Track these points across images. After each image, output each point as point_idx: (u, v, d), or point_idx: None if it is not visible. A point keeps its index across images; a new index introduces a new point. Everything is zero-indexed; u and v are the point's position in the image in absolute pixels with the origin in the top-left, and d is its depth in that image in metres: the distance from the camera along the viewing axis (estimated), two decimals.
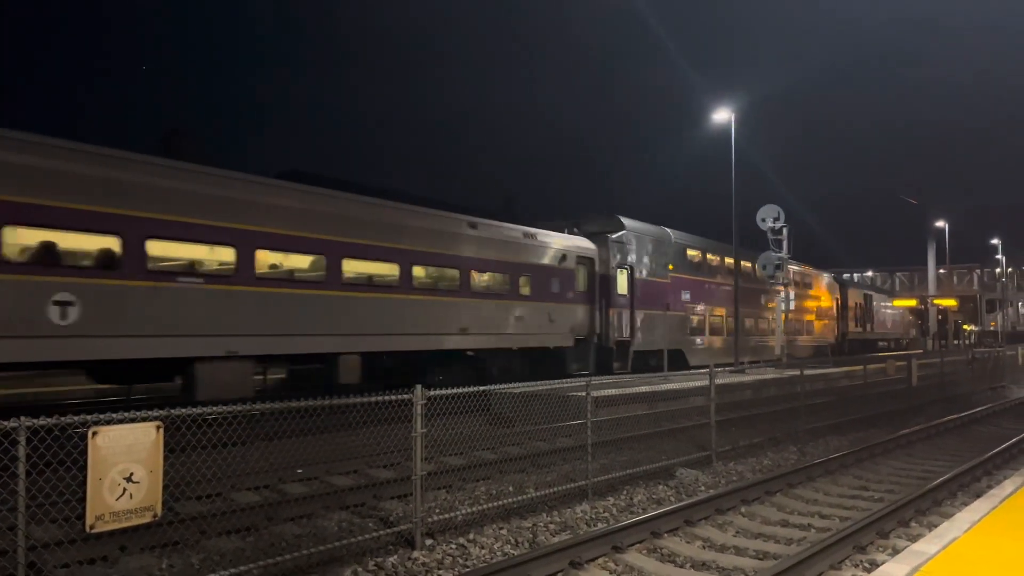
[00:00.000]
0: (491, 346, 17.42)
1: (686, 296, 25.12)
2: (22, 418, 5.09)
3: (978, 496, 8.42)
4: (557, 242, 19.94)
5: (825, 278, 40.48)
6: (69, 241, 10.64)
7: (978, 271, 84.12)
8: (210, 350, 11.86)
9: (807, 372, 16.60)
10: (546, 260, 19.32)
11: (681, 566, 7.04)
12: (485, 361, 17.46)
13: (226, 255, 12.25)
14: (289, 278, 13.49)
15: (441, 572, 6.72)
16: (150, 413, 5.61)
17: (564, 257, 19.83)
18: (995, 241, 68.11)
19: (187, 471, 7.73)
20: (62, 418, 5.30)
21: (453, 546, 7.38)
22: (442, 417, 8.65)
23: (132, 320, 11.04)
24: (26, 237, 10.23)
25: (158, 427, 5.56)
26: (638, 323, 22.67)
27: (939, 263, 67.46)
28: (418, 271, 15.82)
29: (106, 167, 10.97)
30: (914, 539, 7.05)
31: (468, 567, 6.78)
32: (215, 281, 12.24)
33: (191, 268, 12.06)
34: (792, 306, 25.84)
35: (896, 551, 6.77)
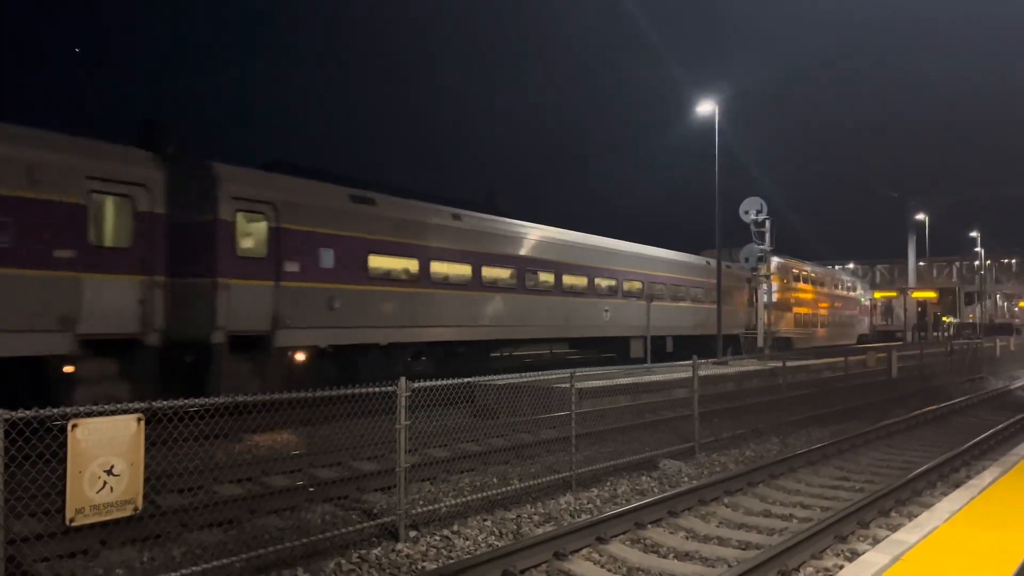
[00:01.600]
0: (711, 333, 28.32)
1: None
2: (0, 410, 5.02)
3: (957, 486, 8.50)
4: (738, 270, 31.73)
5: (860, 283, 52.90)
6: (603, 283, 24.09)
7: (957, 264, 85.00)
8: (634, 332, 24.72)
9: (789, 364, 16.72)
10: (733, 281, 31.70)
11: (665, 557, 7.07)
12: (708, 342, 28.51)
13: (639, 286, 25.75)
14: (662, 296, 26.97)
15: (425, 564, 6.71)
16: (131, 405, 5.55)
17: (740, 279, 32.21)
18: (974, 234, 68.86)
19: (169, 464, 7.68)
20: (41, 410, 5.22)
21: (437, 538, 7.37)
22: (426, 409, 8.63)
23: (621, 320, 24.48)
24: (598, 282, 23.75)
25: (139, 420, 5.50)
26: (775, 319, 35.08)
27: (919, 256, 68.13)
28: (692, 292, 29.40)
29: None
30: (895, 529, 7.12)
31: (452, 559, 6.78)
32: (635, 298, 25.13)
33: (631, 292, 25.27)
34: (774, 298, 27.83)
35: (877, 540, 6.84)
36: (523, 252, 20.84)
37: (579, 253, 23.08)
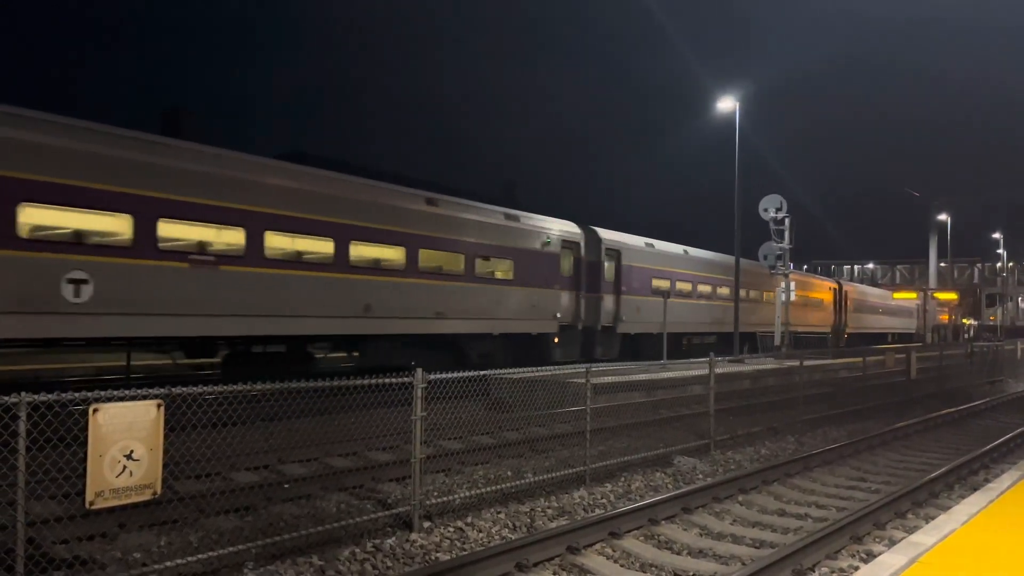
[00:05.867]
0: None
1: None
2: (23, 394, 5.07)
3: (975, 489, 8.43)
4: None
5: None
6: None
7: (979, 265, 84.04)
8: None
9: (806, 363, 16.60)
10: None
11: (678, 553, 7.06)
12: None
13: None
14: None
15: (439, 555, 6.74)
16: (151, 391, 5.61)
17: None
18: (997, 235, 68.06)
19: (187, 450, 7.75)
20: (63, 394, 5.28)
21: (451, 529, 7.40)
22: (441, 401, 8.65)
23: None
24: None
25: (159, 405, 5.55)
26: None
27: (940, 256, 67.41)
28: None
29: None
30: (911, 531, 7.06)
31: (465, 550, 6.80)
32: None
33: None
34: (793, 297, 27.12)
35: (893, 542, 6.79)
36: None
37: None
